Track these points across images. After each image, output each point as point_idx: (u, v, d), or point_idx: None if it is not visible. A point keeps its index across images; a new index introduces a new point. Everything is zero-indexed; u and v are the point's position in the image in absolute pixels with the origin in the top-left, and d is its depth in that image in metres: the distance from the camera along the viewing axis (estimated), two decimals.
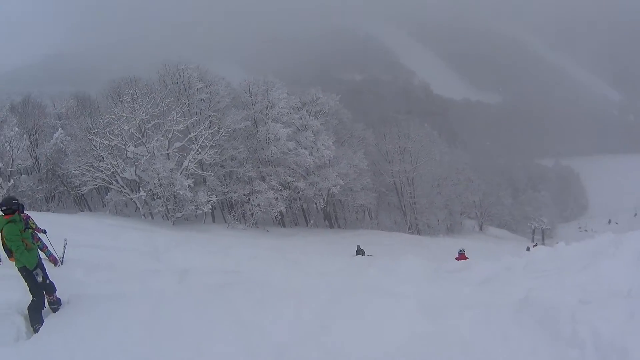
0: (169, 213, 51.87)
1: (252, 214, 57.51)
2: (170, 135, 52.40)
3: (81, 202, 69.24)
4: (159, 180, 49.74)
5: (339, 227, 74.05)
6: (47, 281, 12.54)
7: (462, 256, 30.22)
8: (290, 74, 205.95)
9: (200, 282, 16.56)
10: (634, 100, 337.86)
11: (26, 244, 11.93)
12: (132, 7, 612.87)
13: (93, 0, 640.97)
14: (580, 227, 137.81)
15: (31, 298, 12.12)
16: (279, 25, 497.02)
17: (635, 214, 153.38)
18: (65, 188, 64.62)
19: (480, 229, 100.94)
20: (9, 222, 11.79)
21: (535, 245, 61.38)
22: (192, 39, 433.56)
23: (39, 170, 63.77)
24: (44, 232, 17.91)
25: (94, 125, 52.78)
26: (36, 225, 18.00)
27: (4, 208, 11.91)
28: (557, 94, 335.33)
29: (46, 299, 12.61)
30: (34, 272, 11.90)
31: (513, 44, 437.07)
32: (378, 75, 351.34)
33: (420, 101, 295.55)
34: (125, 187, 53.10)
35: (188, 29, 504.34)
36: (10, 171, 56.26)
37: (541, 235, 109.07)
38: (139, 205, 54.21)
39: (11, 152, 55.04)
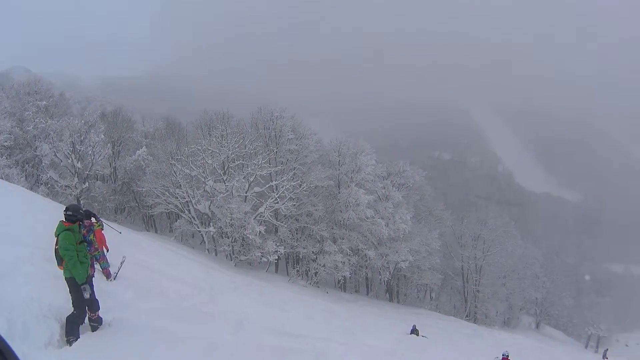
0: (233, 254, 51.69)
1: (316, 273, 56.86)
2: (251, 179, 52.75)
3: (149, 222, 69.92)
4: (231, 220, 49.69)
5: (399, 302, 72.86)
6: (93, 298, 12.04)
7: None
8: (379, 139, 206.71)
9: (254, 339, 15.95)
10: None
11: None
12: (235, 45, 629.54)
13: (200, 31, 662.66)
14: (617, 340, 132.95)
15: (72, 309, 11.66)
16: (376, 91, 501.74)
17: None
18: (137, 204, 65.45)
19: (537, 326, 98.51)
20: (67, 229, 11.43)
21: (606, 356, 60.77)
22: (289, 87, 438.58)
23: (114, 181, 65.24)
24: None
25: (178, 151, 53.50)
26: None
27: (69, 213, 11.59)
28: None
29: (87, 315, 12.10)
30: (82, 287, 11.46)
31: (606, 144, 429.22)
32: (465, 157, 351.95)
33: (501, 189, 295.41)
34: (196, 218, 53.58)
35: (287, 77, 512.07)
36: (87, 174, 57.14)
37: (596, 343, 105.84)
38: (205, 239, 54.39)
39: (92, 157, 56.10)
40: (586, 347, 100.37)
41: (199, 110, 70.05)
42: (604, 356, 61.73)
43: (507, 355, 29.94)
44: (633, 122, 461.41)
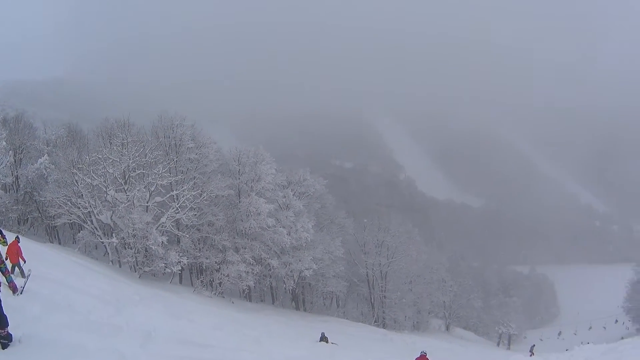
0: (137, 265, 50.63)
1: (220, 283, 56.24)
2: (152, 188, 51.56)
3: (52, 233, 67.93)
4: (133, 230, 48.72)
5: (305, 310, 72.80)
6: (1, 313, 11.73)
7: (423, 358, 29.43)
8: (279, 148, 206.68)
9: (164, 351, 15.87)
10: (620, 211, 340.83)
11: None
12: (140, 52, 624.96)
13: (103, 37, 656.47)
14: (542, 339, 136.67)
15: None
16: (277, 96, 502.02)
17: (590, 327, 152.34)
18: (40, 215, 63.81)
19: (447, 329, 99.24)
20: None
21: (532, 351, 62.61)
22: (188, 94, 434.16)
23: (16, 191, 63.05)
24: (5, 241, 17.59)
25: (80, 160, 52.03)
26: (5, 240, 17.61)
27: None
28: (542, 201, 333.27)
29: None
30: None
31: (505, 150, 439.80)
32: (367, 165, 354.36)
33: (403, 196, 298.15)
34: (98, 229, 52.22)
35: (186, 83, 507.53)
36: None
37: (507, 341, 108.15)
38: (109, 250, 53.05)
39: None
40: (498, 345, 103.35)
41: (101, 117, 68.89)
42: (530, 352, 63.33)
43: (425, 354, 30.23)
44: (529, 128, 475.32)
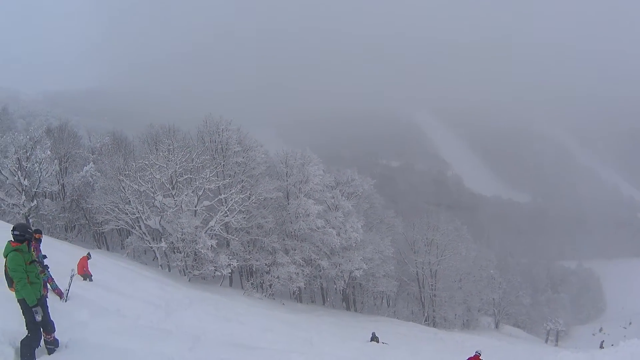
0: (187, 269, 50.75)
1: (270, 285, 56.17)
2: (200, 193, 51.79)
3: (100, 239, 68.13)
4: (182, 234, 48.85)
5: (356, 310, 72.35)
6: (48, 319, 11.54)
7: (476, 358, 28.84)
8: (325, 150, 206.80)
9: (213, 354, 15.56)
10: None
11: (27, 278, 11.00)
12: (183, 61, 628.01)
13: (146, 48, 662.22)
14: (594, 334, 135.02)
15: (27, 333, 11.13)
16: (320, 100, 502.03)
17: (630, 322, 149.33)
18: (87, 222, 64.02)
19: (496, 326, 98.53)
20: (15, 250, 10.92)
21: (602, 346, 62.62)
22: (234, 101, 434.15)
23: (63, 198, 63.11)
24: (44, 257, 17.74)
25: (126, 167, 52.35)
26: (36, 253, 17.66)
27: (16, 233, 11.08)
28: (587, 196, 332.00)
29: (43, 337, 11.58)
30: (33, 310, 10.89)
31: (547, 144, 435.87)
32: (414, 164, 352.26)
33: (451, 194, 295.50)
34: (147, 234, 52.41)
35: (231, 91, 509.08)
36: (35, 192, 55.32)
37: (555, 337, 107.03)
38: (158, 255, 53.30)
39: (39, 174, 53.95)
40: (546, 341, 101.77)
41: (141, 124, 69.00)
42: (601, 347, 63.38)
43: (480, 354, 29.67)
44: (568, 123, 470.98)
